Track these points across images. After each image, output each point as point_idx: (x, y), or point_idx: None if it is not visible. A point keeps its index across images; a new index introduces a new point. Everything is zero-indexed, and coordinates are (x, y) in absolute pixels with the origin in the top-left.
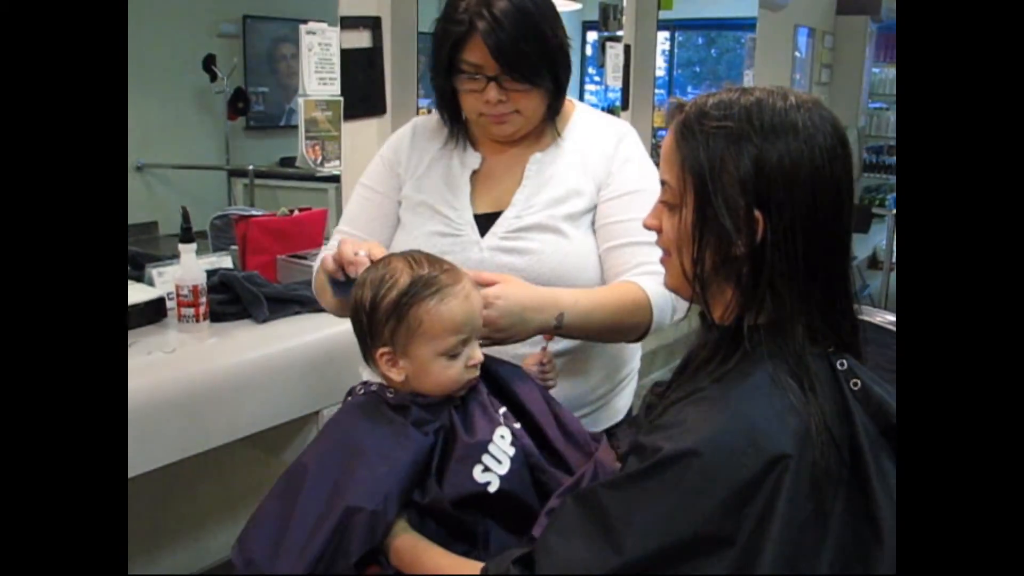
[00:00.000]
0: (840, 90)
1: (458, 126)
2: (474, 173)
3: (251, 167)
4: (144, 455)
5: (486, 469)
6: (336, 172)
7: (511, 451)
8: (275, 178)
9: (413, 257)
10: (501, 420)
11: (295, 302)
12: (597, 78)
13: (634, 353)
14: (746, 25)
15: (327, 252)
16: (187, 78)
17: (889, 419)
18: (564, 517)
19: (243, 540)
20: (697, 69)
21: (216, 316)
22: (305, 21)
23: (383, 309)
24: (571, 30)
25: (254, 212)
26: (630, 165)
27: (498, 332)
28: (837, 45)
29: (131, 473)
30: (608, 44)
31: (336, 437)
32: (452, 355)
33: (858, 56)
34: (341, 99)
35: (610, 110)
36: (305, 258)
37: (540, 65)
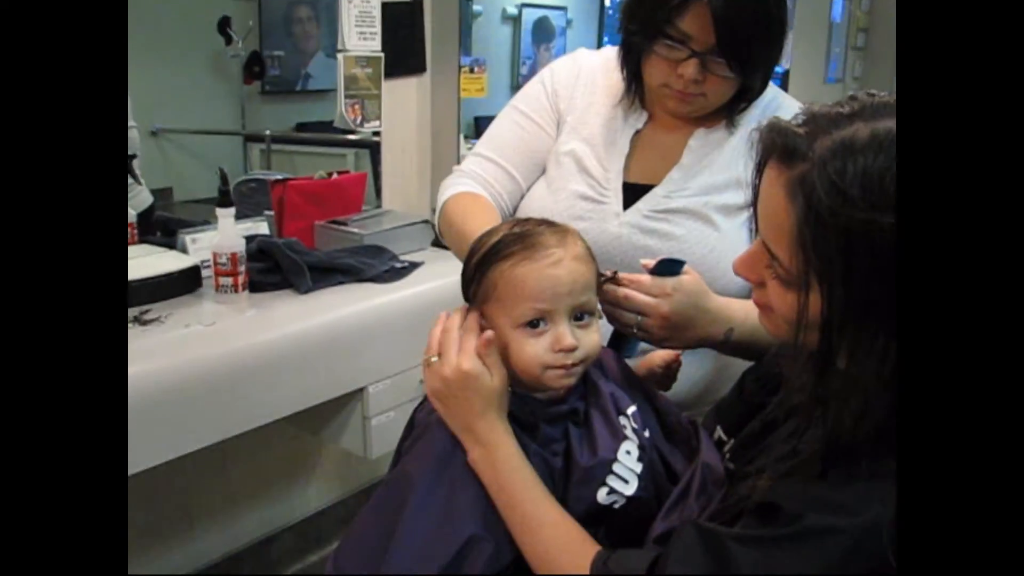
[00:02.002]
0: (879, 54)
1: (637, 85)
2: (636, 134)
3: (268, 132)
4: (181, 437)
5: (611, 491)
6: (361, 136)
7: (638, 467)
8: (293, 143)
9: (525, 219)
10: (627, 431)
11: (339, 271)
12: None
13: None
14: None
15: (458, 179)
16: (202, 41)
17: None
18: (688, 555)
19: (338, 556)
20: None
21: (255, 286)
22: None
23: (469, 269)
24: None
25: (284, 176)
26: None
27: (661, 330)
28: (874, 8)
29: (165, 458)
30: None
31: (446, 445)
32: (532, 327)
33: (895, 17)
34: (382, 55)
35: None
36: (345, 224)
37: (759, 57)
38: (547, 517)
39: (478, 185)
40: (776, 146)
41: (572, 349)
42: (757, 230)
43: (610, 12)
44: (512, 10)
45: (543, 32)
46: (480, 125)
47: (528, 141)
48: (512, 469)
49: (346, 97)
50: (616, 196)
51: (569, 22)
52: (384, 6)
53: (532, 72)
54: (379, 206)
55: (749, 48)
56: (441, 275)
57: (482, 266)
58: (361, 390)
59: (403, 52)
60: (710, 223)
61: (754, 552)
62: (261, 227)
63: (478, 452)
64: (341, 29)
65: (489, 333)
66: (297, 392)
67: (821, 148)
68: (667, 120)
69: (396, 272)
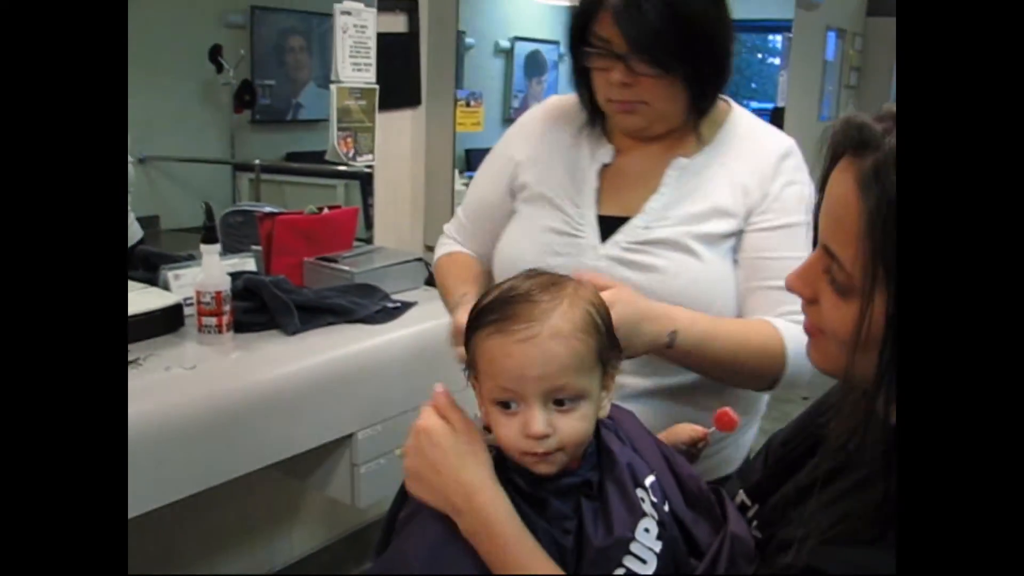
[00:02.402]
0: (869, 93)
1: (596, 111)
2: (604, 168)
3: (257, 161)
4: (160, 487)
5: (628, 572)
6: (356, 168)
7: (657, 546)
8: (282, 173)
9: (531, 275)
10: (646, 506)
11: (328, 312)
12: None
13: (760, 396)
14: (769, 27)
15: (444, 239)
16: (193, 69)
17: None
18: None
19: None
20: None
21: (240, 326)
22: (312, 14)
23: (465, 333)
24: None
25: (273, 209)
26: (791, 191)
27: None
28: (867, 47)
29: (144, 509)
30: None
31: (446, 521)
32: (505, 407)
33: (888, 58)
34: (376, 87)
35: None
36: (336, 261)
37: (677, 50)
38: None
39: (458, 247)
40: (851, 139)
41: (540, 437)
42: (815, 242)
43: None
44: (504, 43)
45: (535, 66)
46: (472, 158)
47: (492, 202)
48: (506, 536)
49: (339, 129)
50: (592, 229)
51: (561, 56)
52: (380, 36)
53: (524, 106)
54: (370, 239)
55: (662, 43)
56: (435, 315)
57: (469, 330)
58: (350, 436)
59: (398, 84)
60: (692, 253)
61: None
62: (248, 263)
63: (465, 522)
64: (335, 60)
65: (439, 387)
66: (283, 439)
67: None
68: (639, 150)
69: (388, 312)
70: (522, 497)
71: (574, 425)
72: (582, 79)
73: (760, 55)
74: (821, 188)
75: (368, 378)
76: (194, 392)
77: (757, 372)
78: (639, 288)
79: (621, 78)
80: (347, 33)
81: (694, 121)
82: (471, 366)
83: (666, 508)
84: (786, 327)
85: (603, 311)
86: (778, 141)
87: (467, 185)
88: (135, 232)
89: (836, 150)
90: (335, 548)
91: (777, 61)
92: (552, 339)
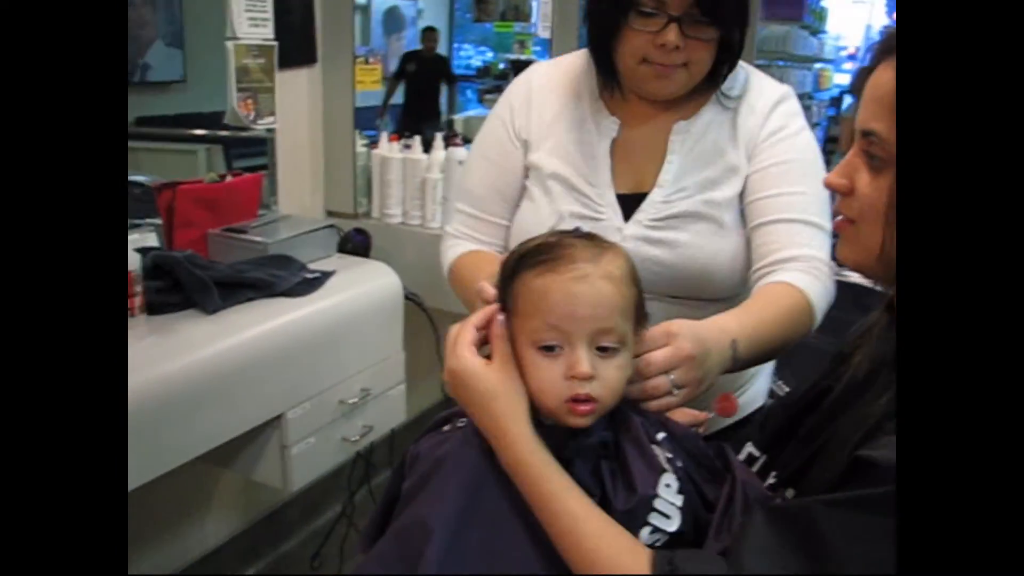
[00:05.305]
0: None
1: (611, 77)
2: (613, 143)
3: None
4: None
5: (655, 530)
6: (215, 133)
7: (679, 500)
8: (136, 139)
9: (571, 230)
10: (664, 463)
11: (248, 286)
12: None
13: None
14: None
15: (453, 242)
16: None
17: None
18: (765, 534)
19: None
20: None
21: (154, 307)
22: None
23: (503, 274)
24: None
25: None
26: (786, 130)
27: (693, 371)
28: None
29: None
30: None
31: (471, 477)
32: (548, 350)
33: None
34: (275, 44)
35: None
36: (244, 232)
37: (735, 13)
38: (592, 522)
39: (474, 243)
40: (890, 45)
41: (586, 378)
42: (845, 144)
43: (458, 6)
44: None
45: (394, 21)
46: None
47: (501, 187)
48: (542, 476)
49: (238, 90)
50: (614, 210)
51: (420, 11)
52: None
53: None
54: (268, 206)
55: (728, 3)
56: (357, 283)
57: (511, 272)
58: (278, 417)
59: (294, 41)
60: (717, 222)
61: (843, 514)
62: (149, 238)
63: (505, 457)
64: (230, 13)
65: (490, 309)
66: (211, 427)
67: None
68: (639, 119)
69: (308, 283)
70: None
71: (614, 373)
72: (602, 41)
73: None
74: (859, 91)
75: (294, 354)
76: None
77: (796, 338)
78: (668, 266)
79: (675, 40)
80: None
81: (708, 83)
82: (510, 310)
83: (679, 463)
84: (801, 281)
85: (636, 270)
86: (772, 89)
87: (367, 147)
88: None
89: (877, 56)
90: (255, 531)
91: None
92: (604, 280)
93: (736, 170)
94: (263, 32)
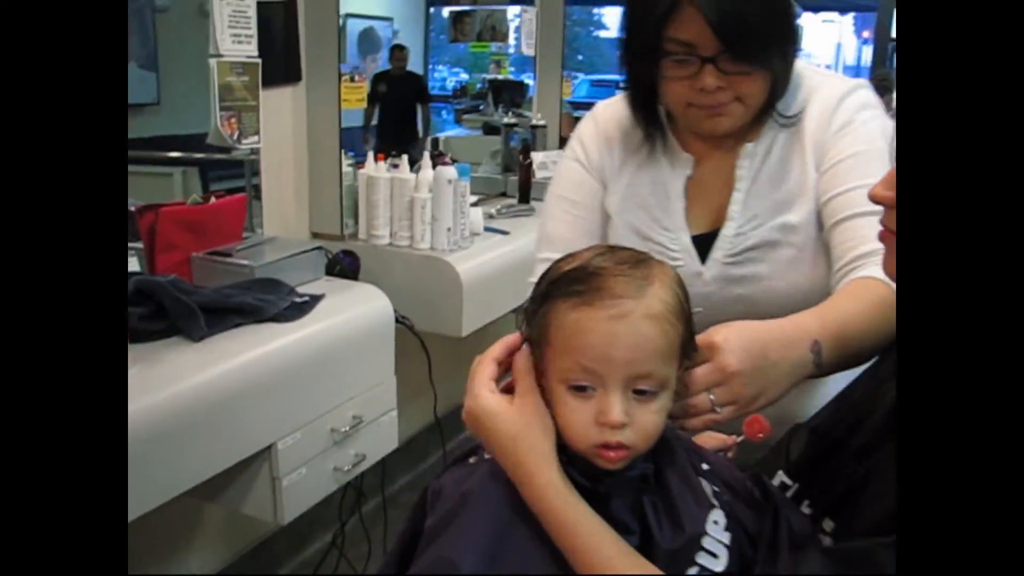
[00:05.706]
0: None
1: (655, 127)
2: (688, 180)
3: None
4: None
5: (701, 570)
6: (188, 156)
7: (726, 537)
8: None
9: (618, 249)
10: (711, 497)
11: (235, 312)
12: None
13: None
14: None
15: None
16: None
17: None
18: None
19: None
20: None
21: (137, 335)
22: None
23: (535, 296)
24: None
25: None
26: (851, 124)
27: (743, 388)
28: None
29: None
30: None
31: (498, 514)
32: (580, 390)
33: None
34: (259, 61)
35: None
36: (230, 255)
37: (770, 40)
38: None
39: None
40: None
41: (618, 426)
42: None
43: (434, 27)
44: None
45: (369, 43)
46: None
47: (587, 229)
48: (573, 525)
49: (221, 109)
50: (689, 254)
51: (396, 32)
52: (260, 4)
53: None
54: (252, 228)
55: (757, 36)
56: (347, 307)
57: (542, 298)
58: (268, 448)
59: (278, 58)
60: (791, 246)
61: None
62: (131, 263)
63: (533, 504)
64: (213, 30)
65: (511, 340)
66: (199, 460)
67: None
68: (711, 152)
69: (298, 308)
70: (581, 493)
71: (650, 418)
72: (640, 92)
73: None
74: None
75: (284, 382)
76: None
77: (888, 336)
78: (753, 303)
79: (714, 82)
80: (224, 0)
81: (772, 103)
82: (538, 337)
83: (725, 497)
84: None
85: (685, 296)
86: (835, 88)
87: (352, 166)
88: None
89: None
90: (241, 564)
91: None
92: (646, 319)
93: (807, 184)
94: (247, 49)
